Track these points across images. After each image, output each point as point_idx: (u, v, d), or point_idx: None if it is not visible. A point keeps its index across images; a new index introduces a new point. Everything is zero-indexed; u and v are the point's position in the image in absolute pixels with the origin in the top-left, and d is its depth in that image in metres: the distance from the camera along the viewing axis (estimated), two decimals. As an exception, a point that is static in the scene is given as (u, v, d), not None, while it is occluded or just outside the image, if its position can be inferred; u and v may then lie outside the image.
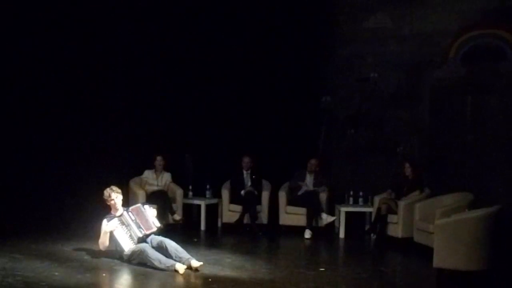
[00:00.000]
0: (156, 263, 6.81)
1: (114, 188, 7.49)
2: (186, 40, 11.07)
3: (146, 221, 7.39)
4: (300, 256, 8.40)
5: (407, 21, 10.46)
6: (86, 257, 7.37)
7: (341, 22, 10.98)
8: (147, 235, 7.28)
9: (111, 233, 7.22)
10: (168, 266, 6.77)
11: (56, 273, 6.53)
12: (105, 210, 7.57)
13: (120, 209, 7.43)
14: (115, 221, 7.27)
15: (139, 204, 7.70)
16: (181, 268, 6.72)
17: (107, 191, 7.44)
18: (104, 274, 6.73)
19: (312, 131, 11.12)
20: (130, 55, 10.79)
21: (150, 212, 7.61)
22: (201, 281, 6.45)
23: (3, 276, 6.32)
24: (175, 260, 6.88)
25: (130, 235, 7.22)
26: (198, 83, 11.16)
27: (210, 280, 6.44)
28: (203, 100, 11.21)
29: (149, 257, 6.86)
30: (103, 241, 7.24)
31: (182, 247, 7.14)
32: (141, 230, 7.23)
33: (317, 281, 6.59)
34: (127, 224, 7.26)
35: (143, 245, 7.08)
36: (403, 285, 6.94)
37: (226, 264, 7.23)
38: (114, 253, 7.28)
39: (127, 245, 7.16)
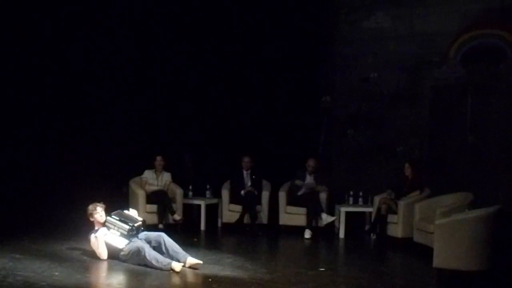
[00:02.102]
0: (154, 262, 6.81)
1: (97, 203, 7.52)
2: (186, 40, 11.08)
3: (128, 216, 7.50)
4: (300, 256, 8.40)
5: (407, 21, 10.46)
6: (86, 257, 7.36)
7: (341, 22, 10.97)
8: (137, 228, 7.31)
9: (104, 241, 7.24)
10: (165, 265, 6.77)
11: (56, 273, 6.53)
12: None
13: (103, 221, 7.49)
14: (102, 229, 7.32)
15: (118, 210, 7.76)
16: (177, 266, 6.73)
17: (92, 206, 7.46)
18: (104, 274, 6.73)
19: (312, 131, 11.12)
20: (131, 55, 10.80)
21: (131, 212, 7.72)
22: (201, 281, 6.44)
23: (4, 276, 6.32)
24: (172, 256, 6.91)
25: (121, 233, 7.25)
26: (198, 83, 11.17)
27: (210, 280, 6.44)
28: (203, 100, 11.21)
29: (146, 257, 6.85)
30: (101, 252, 7.22)
31: (182, 247, 7.14)
32: (128, 223, 7.29)
33: (317, 281, 6.59)
34: (114, 225, 7.30)
35: (140, 244, 7.06)
36: (403, 285, 6.94)
37: (226, 264, 7.23)
38: (112, 254, 7.28)
39: (122, 243, 7.18)
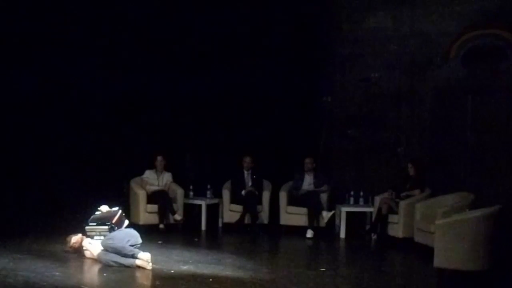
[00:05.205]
0: (114, 264, 6.84)
1: (65, 243, 7.59)
2: (186, 40, 11.08)
3: (102, 216, 7.55)
4: (301, 256, 8.42)
5: (407, 21, 10.44)
6: (87, 256, 7.37)
7: (341, 22, 10.96)
8: (116, 223, 7.37)
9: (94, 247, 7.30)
10: (127, 265, 6.80)
11: (57, 273, 6.53)
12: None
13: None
14: (84, 241, 7.39)
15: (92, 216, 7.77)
16: (141, 263, 6.76)
17: (68, 248, 7.51)
18: (104, 274, 6.73)
19: (313, 131, 11.12)
20: (130, 54, 10.79)
21: (103, 209, 7.74)
22: (202, 281, 6.45)
23: (4, 276, 6.32)
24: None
25: (104, 236, 7.29)
26: (199, 83, 11.16)
27: (211, 280, 6.44)
28: (204, 100, 11.21)
29: (104, 262, 6.90)
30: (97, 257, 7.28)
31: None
32: (106, 223, 7.36)
33: (318, 281, 6.60)
34: (95, 231, 7.39)
35: (99, 254, 7.08)
36: (403, 285, 6.95)
37: (227, 264, 7.24)
38: None
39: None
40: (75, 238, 7.51)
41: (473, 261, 6.66)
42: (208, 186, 10.22)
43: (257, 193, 9.95)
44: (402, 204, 8.95)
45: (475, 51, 9.87)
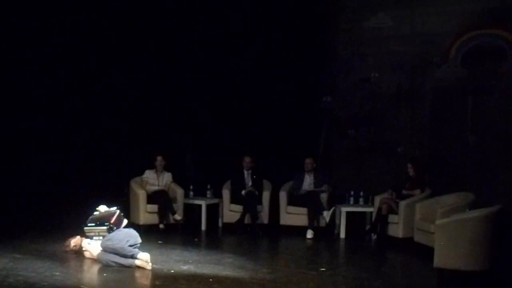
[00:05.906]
0: (114, 264, 6.85)
1: (64, 246, 7.59)
2: (187, 40, 11.09)
3: (101, 217, 7.52)
4: (301, 256, 8.40)
5: (407, 21, 10.46)
6: (87, 257, 7.37)
7: (341, 22, 10.97)
8: (114, 223, 7.36)
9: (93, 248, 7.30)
10: (127, 265, 6.81)
11: (57, 273, 6.53)
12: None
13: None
14: (83, 242, 7.39)
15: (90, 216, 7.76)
16: (140, 263, 6.77)
17: (68, 246, 7.52)
18: (104, 274, 6.73)
19: (313, 132, 11.13)
20: (131, 54, 10.80)
21: (101, 209, 7.72)
22: (202, 281, 6.45)
23: (4, 276, 6.32)
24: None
25: (103, 236, 7.29)
26: (199, 83, 11.18)
27: (211, 280, 6.44)
28: (204, 100, 11.22)
29: (104, 263, 6.91)
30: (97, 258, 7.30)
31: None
32: (105, 223, 7.35)
33: (318, 281, 6.60)
34: (93, 231, 7.37)
35: (98, 254, 7.10)
36: (403, 285, 6.94)
37: (227, 264, 7.23)
38: None
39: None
40: (74, 241, 7.52)
41: (473, 261, 6.66)
42: (208, 186, 10.22)
43: (257, 193, 9.94)
44: (402, 204, 8.95)
45: (475, 51, 9.88)
